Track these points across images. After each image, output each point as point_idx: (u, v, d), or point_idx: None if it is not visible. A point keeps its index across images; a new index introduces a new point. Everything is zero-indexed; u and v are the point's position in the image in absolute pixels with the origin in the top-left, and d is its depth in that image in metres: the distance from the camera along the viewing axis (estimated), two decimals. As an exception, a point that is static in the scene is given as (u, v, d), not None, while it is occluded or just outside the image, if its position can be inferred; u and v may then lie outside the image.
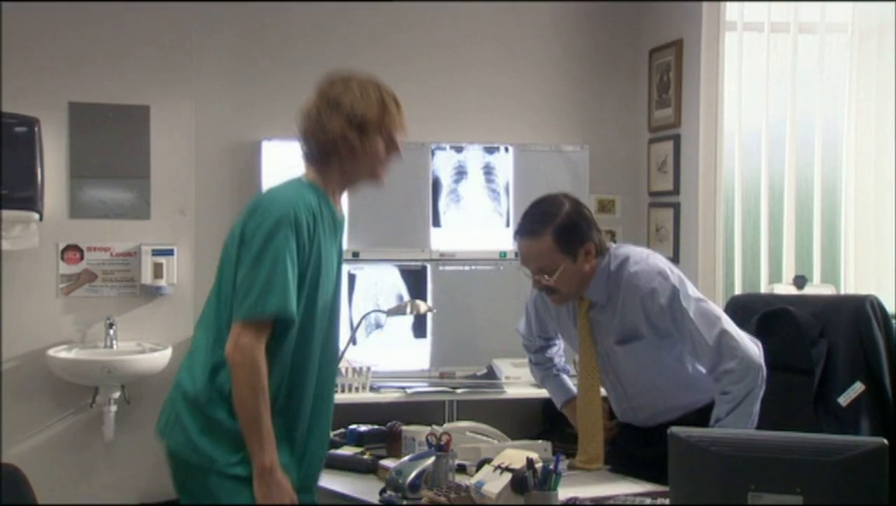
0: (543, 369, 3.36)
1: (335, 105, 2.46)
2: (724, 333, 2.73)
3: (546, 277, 2.82)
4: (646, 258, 2.89)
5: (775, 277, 4.65)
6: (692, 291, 2.83)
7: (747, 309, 3.25)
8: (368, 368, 4.58)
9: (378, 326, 4.81)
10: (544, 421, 4.89)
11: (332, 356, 2.58)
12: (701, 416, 2.82)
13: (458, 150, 5.05)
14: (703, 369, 2.85)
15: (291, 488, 2.38)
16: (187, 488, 2.44)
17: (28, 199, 4.31)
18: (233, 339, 2.33)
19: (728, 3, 4.67)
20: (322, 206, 2.46)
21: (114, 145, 4.58)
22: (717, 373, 2.74)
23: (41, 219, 4.36)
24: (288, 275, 2.33)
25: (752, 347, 2.76)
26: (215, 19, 4.78)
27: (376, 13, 4.90)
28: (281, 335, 2.38)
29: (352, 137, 2.45)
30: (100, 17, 4.52)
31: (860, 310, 2.99)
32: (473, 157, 5.08)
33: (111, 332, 4.47)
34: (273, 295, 2.32)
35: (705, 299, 2.84)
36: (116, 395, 4.39)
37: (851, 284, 4.65)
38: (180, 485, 2.46)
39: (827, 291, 4.29)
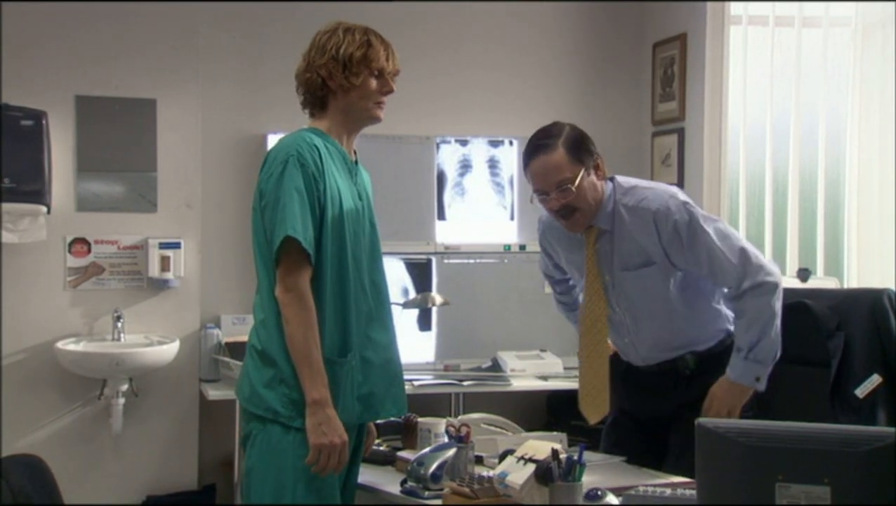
0: (567, 309, 3.39)
1: (322, 49, 2.60)
2: (744, 250, 2.82)
3: (569, 187, 2.82)
4: (656, 183, 3.01)
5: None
6: (705, 212, 2.91)
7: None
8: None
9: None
10: (549, 413, 4.93)
11: (379, 300, 2.67)
12: (697, 357, 2.95)
13: (463, 143, 5.08)
14: (704, 305, 2.94)
15: (341, 425, 2.45)
16: (253, 439, 2.53)
17: (36, 192, 4.30)
18: (278, 282, 2.46)
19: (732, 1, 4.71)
20: (328, 144, 2.57)
21: (120, 139, 4.57)
22: (740, 290, 2.82)
23: (49, 212, 4.36)
24: (296, 205, 2.44)
25: (772, 264, 2.87)
26: (222, 13, 4.79)
27: (381, 8, 4.90)
28: (317, 276, 2.49)
29: (338, 75, 2.57)
30: (107, 11, 4.51)
31: (877, 303, 3.03)
32: (478, 150, 5.10)
33: (119, 324, 4.47)
34: (284, 224, 2.43)
35: (718, 219, 2.92)
36: (124, 387, 4.39)
37: (854, 277, 4.69)
38: (245, 436, 2.56)
39: (830, 283, 4.32)
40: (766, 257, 2.88)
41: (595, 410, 3.04)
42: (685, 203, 2.86)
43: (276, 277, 2.47)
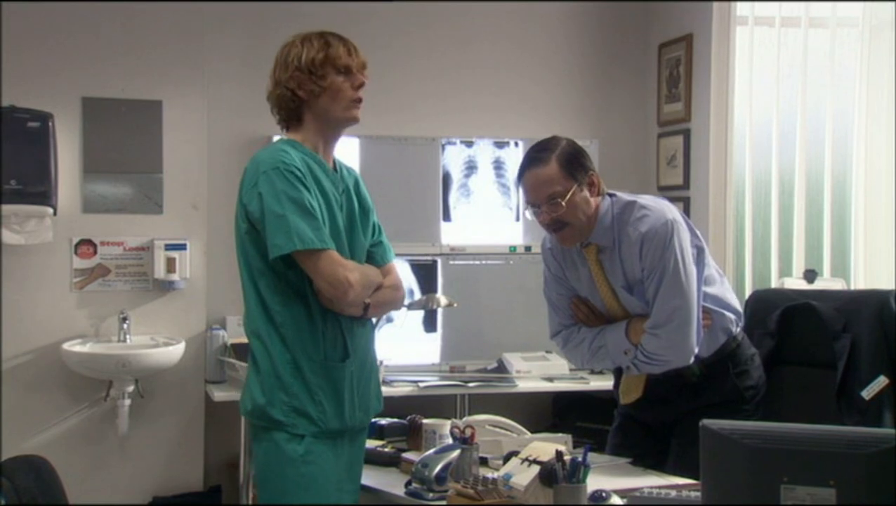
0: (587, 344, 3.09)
1: (285, 64, 2.61)
2: (676, 309, 2.79)
3: (558, 201, 2.80)
4: (656, 203, 2.91)
5: (786, 271, 4.67)
6: (687, 248, 2.83)
7: (769, 304, 3.26)
8: (381, 362, 4.57)
9: (388, 320, 4.81)
10: (555, 414, 4.92)
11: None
12: (702, 363, 2.93)
13: (468, 144, 5.07)
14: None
15: None
16: (260, 448, 2.58)
17: (42, 193, 4.32)
18: (319, 275, 2.47)
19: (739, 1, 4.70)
20: (304, 155, 2.56)
21: (126, 140, 4.58)
22: (647, 327, 2.85)
23: (55, 213, 4.37)
24: (296, 215, 2.45)
25: (688, 346, 2.81)
26: (226, 14, 4.79)
27: (386, 10, 4.90)
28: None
29: (306, 82, 2.57)
30: (112, 13, 4.52)
31: (884, 304, 3.01)
32: (483, 151, 5.09)
33: (125, 326, 4.47)
34: (305, 232, 2.45)
35: (697, 264, 2.85)
36: (130, 389, 4.40)
37: (861, 279, 4.67)
38: (255, 446, 2.61)
39: (837, 285, 4.30)
40: (692, 336, 2.82)
41: (628, 393, 3.05)
42: (672, 238, 2.80)
43: (308, 267, 2.48)
